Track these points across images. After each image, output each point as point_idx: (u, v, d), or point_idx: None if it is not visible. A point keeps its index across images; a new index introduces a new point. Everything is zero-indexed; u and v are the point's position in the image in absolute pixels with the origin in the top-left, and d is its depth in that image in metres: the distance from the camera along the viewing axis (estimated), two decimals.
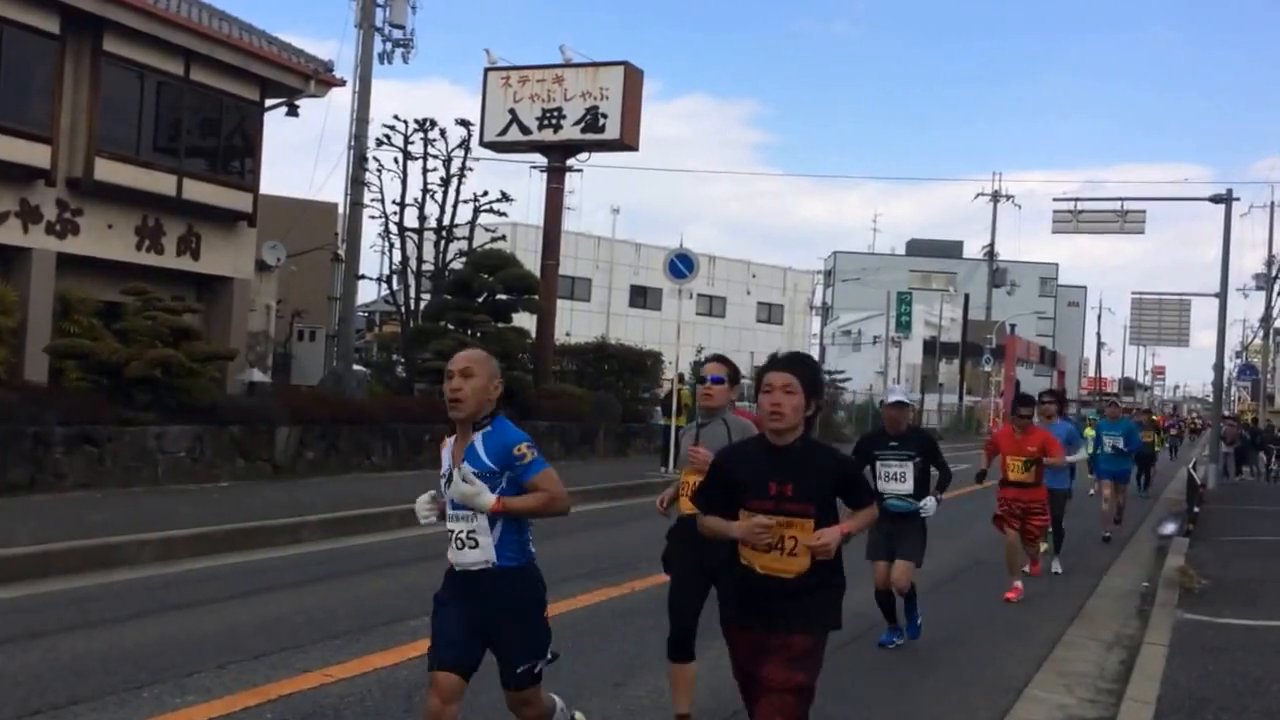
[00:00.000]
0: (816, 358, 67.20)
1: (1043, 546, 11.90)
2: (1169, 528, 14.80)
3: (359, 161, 22.16)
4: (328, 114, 56.58)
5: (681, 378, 22.22)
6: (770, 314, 60.19)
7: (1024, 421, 10.79)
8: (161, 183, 18.37)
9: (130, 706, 5.86)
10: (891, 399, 8.44)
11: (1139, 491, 22.13)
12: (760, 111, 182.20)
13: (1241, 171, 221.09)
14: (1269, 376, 45.17)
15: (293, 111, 21.35)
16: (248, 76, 19.68)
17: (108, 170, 17.52)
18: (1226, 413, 36.53)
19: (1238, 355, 67.68)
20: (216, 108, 19.56)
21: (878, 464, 8.14)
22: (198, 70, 18.80)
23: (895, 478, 8.13)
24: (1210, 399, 38.92)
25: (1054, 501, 11.98)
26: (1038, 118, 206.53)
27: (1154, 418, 27.72)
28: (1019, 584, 10.46)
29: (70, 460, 13.60)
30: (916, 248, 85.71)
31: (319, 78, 20.76)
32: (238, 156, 20.17)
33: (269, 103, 20.60)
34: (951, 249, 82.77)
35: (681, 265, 21.93)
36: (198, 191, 18.93)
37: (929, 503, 8.13)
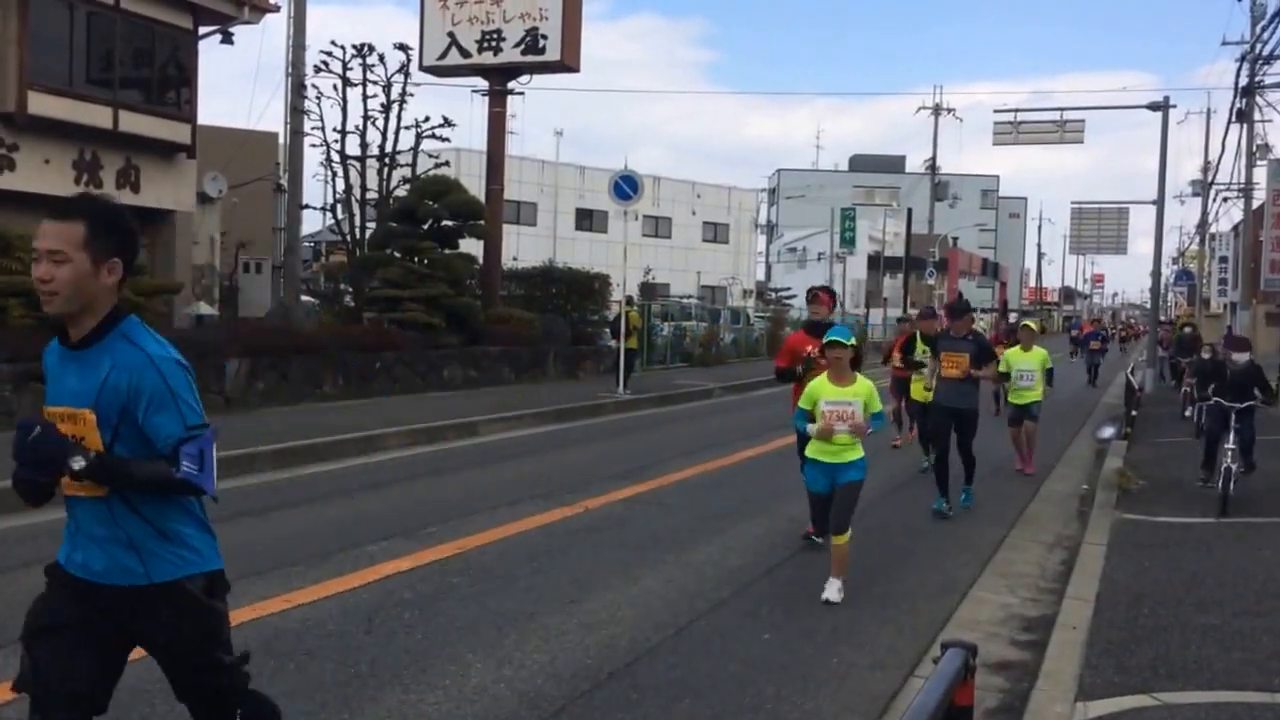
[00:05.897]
0: (762, 276, 67.64)
1: None
2: (1107, 432, 15.19)
3: (297, 89, 21.79)
4: (263, 41, 55.37)
5: (630, 300, 22.23)
6: (716, 233, 60.10)
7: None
8: (97, 115, 18.02)
9: None
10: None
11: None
12: (709, 30, 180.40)
13: (1184, 79, 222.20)
14: (1204, 281, 45.95)
15: (227, 39, 20.92)
16: (179, 4, 19.26)
17: (41, 104, 17.16)
18: (1164, 318, 37.00)
19: (1174, 261, 68.97)
20: (149, 37, 19.14)
21: None
22: None
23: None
24: (1148, 305, 39.56)
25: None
26: (985, 28, 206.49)
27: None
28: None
29: (18, 398, 13.48)
30: (860, 163, 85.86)
31: (252, 3, 20.35)
32: (173, 87, 19.78)
33: (203, 30, 20.17)
34: (894, 164, 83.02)
35: (626, 187, 21.89)
36: (134, 123, 18.60)
37: None
